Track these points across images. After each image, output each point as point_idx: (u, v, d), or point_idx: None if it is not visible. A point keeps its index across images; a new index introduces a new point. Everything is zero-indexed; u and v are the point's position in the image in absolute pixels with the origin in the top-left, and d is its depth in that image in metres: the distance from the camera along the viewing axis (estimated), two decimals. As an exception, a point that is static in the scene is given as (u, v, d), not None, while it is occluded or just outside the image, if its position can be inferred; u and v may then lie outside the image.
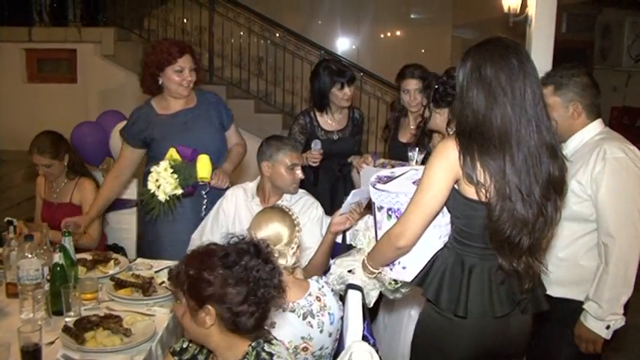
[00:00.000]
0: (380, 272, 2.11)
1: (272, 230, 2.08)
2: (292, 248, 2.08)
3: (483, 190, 1.79)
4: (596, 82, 2.39)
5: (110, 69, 6.68)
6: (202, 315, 1.52)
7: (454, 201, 1.88)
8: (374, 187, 2.10)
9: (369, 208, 2.47)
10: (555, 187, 1.83)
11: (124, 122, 4.05)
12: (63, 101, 6.58)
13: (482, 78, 1.80)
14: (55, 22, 6.99)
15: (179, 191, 2.79)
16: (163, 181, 2.76)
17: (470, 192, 1.82)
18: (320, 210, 2.86)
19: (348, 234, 2.59)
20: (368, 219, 2.40)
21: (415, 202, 1.88)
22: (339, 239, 2.83)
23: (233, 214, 2.85)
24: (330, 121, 3.57)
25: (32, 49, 6.84)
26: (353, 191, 2.49)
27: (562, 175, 1.85)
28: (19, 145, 5.82)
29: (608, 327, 2.24)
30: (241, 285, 1.48)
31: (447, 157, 1.83)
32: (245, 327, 1.52)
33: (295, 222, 2.13)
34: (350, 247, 2.69)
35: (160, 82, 3.05)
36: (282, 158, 2.73)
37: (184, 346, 1.79)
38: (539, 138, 1.79)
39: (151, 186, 2.78)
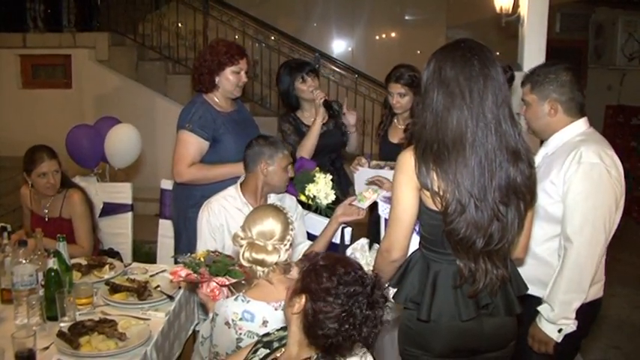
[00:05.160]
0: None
1: (267, 226, 2.08)
2: (285, 245, 2.09)
3: (438, 198, 1.79)
4: (577, 79, 2.32)
5: (105, 74, 6.68)
6: (295, 299, 1.57)
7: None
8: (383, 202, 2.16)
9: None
10: (517, 194, 1.80)
11: (120, 125, 4.07)
12: (58, 107, 6.58)
13: (443, 79, 1.78)
14: (50, 28, 7.00)
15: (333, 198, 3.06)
16: (323, 192, 3.02)
17: (428, 201, 1.83)
18: (299, 206, 2.97)
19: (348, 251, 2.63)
20: (364, 242, 2.50)
21: (392, 217, 1.93)
22: (336, 239, 2.85)
23: (225, 226, 2.76)
24: (309, 117, 3.48)
25: (27, 55, 6.85)
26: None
27: (525, 180, 1.80)
28: (14, 152, 5.80)
29: (559, 330, 2.21)
30: (337, 305, 1.50)
31: (406, 170, 1.85)
32: (315, 337, 1.54)
33: (289, 220, 2.14)
34: (346, 246, 2.73)
35: (217, 81, 3.09)
36: (282, 158, 2.73)
37: (270, 331, 1.85)
38: (498, 142, 1.76)
39: (312, 193, 3.02)
